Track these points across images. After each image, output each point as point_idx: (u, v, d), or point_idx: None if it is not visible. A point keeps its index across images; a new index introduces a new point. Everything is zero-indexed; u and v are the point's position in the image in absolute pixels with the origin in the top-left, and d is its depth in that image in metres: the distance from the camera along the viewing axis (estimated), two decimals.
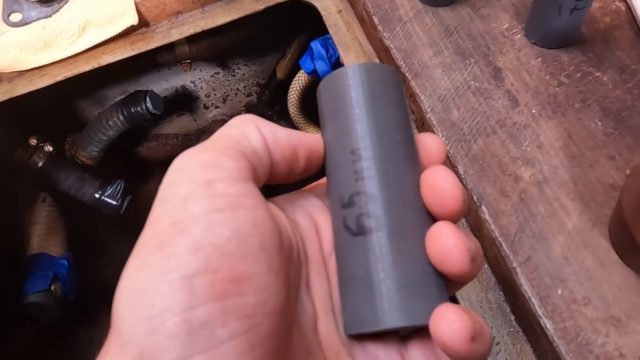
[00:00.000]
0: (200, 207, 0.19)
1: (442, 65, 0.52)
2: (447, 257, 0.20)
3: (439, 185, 0.22)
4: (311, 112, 0.83)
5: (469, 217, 0.46)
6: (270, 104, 1.07)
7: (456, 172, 0.46)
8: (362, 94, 0.24)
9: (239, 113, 1.17)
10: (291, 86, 0.74)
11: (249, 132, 0.23)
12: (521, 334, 0.42)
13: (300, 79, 0.71)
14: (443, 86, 0.50)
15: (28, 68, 0.67)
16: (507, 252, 0.40)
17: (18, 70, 0.67)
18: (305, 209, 0.25)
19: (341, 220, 0.23)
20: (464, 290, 0.44)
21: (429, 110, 0.50)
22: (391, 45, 0.55)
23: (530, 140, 0.46)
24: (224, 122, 1.18)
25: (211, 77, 1.10)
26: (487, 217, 0.43)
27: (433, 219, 0.23)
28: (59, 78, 0.66)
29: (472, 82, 0.50)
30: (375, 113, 0.23)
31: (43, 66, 0.67)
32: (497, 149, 0.46)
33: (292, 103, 0.77)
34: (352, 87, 0.24)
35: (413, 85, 0.52)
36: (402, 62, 0.53)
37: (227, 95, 1.16)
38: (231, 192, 0.20)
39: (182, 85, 1.09)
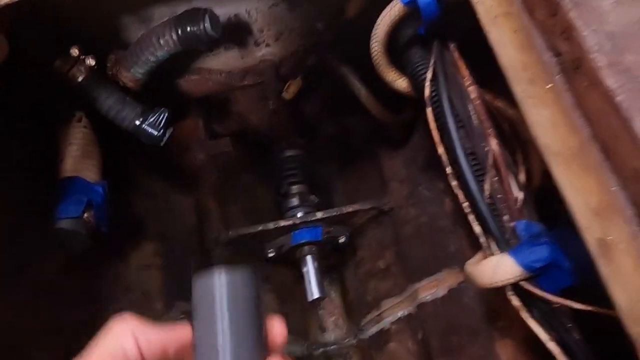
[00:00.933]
0: None
1: None
2: None
3: None
4: (397, 56, 0.73)
5: None
6: (331, 48, 0.97)
7: (629, 129, 0.37)
8: (225, 298, 0.33)
9: (292, 56, 1.07)
10: (380, 18, 0.64)
11: (125, 343, 0.30)
12: None
13: (393, 10, 0.61)
14: (614, 21, 0.41)
15: None
16: None
17: None
18: None
19: None
20: None
21: (593, 49, 0.40)
22: None
23: None
24: (272, 64, 1.08)
25: (269, 8, 0.99)
26: None
27: None
28: None
29: None
30: (233, 312, 0.33)
31: None
32: None
33: (378, 39, 0.67)
34: (216, 292, 0.33)
35: (572, 16, 0.42)
36: None
37: (282, 34, 1.05)
38: None
39: (235, 14, 0.99)
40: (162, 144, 0.84)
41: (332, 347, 1.18)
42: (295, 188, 1.12)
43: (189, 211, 1.01)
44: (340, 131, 1.21)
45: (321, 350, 1.18)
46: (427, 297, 0.91)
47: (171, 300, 0.91)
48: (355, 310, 1.14)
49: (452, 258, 0.89)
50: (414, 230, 0.95)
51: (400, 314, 0.99)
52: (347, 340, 1.15)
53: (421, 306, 0.92)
